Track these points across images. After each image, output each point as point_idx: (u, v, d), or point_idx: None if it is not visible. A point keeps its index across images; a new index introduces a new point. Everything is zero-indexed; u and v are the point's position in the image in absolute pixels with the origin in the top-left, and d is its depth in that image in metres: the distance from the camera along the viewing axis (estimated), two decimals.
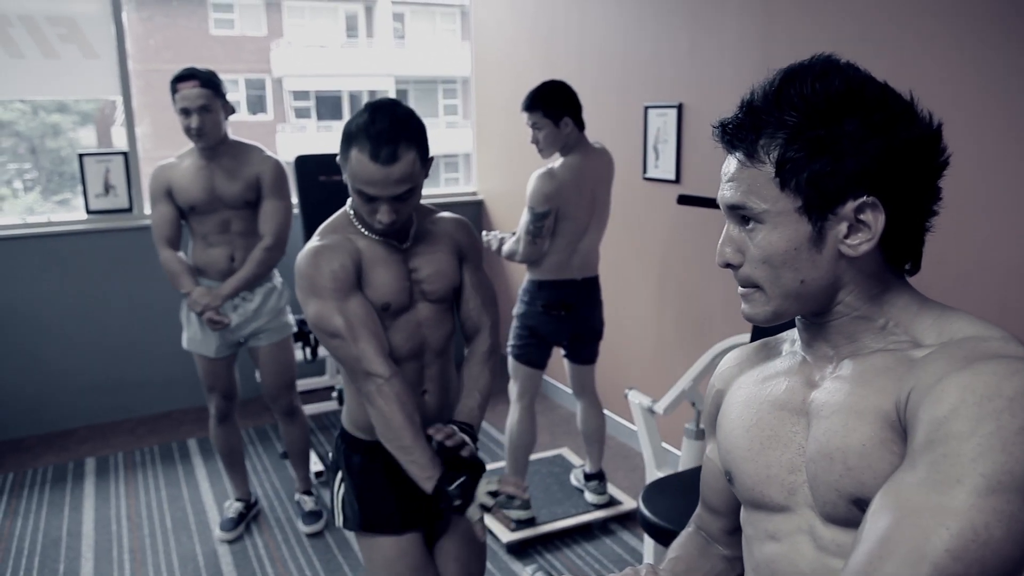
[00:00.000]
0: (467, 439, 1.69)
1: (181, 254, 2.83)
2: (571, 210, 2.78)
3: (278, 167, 2.82)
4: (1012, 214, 2.10)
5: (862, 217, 0.86)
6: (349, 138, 1.57)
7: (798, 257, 0.88)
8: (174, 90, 2.64)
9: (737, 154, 0.90)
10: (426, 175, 1.63)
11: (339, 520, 1.81)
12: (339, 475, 1.80)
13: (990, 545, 0.71)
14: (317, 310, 1.61)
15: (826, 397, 0.91)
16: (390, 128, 1.53)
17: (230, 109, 2.75)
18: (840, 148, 0.84)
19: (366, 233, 1.68)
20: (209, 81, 2.64)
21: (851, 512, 0.86)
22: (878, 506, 0.78)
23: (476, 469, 1.65)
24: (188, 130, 2.66)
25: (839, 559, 0.89)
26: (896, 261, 0.91)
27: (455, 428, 1.70)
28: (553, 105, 2.75)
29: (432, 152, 1.62)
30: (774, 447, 0.96)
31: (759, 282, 0.92)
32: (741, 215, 0.91)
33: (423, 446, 1.62)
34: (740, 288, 0.95)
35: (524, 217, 2.79)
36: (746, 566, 1.05)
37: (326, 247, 1.63)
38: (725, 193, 0.92)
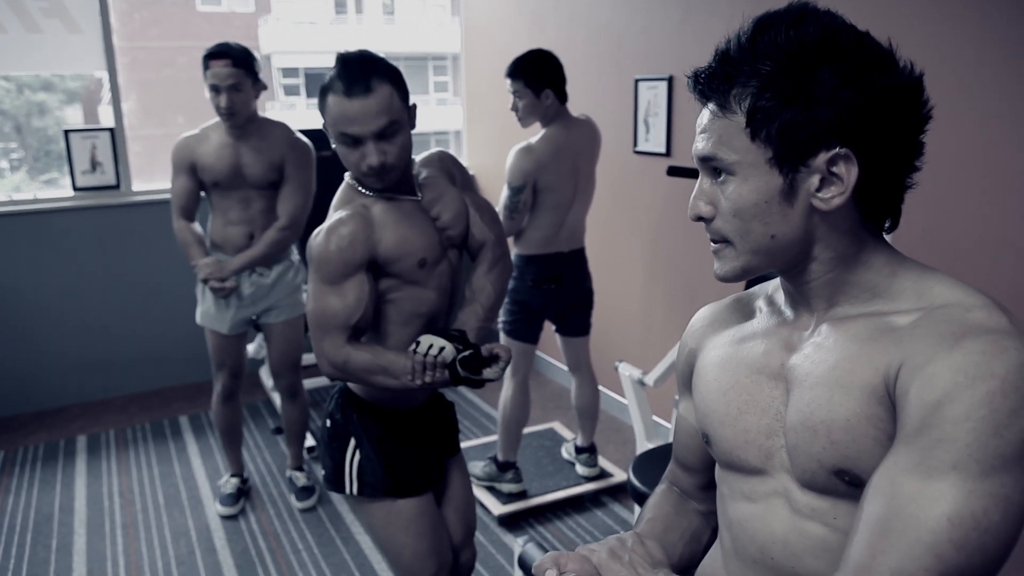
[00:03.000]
0: (446, 347, 1.63)
1: (196, 225, 2.82)
2: (552, 182, 2.78)
3: (305, 149, 2.80)
4: (1005, 187, 2.10)
5: (834, 170, 0.83)
6: (324, 91, 1.59)
7: (769, 210, 0.86)
8: (205, 66, 2.61)
9: (710, 105, 0.88)
10: (412, 123, 1.64)
11: (352, 488, 1.77)
12: (351, 443, 1.78)
13: (990, 531, 0.72)
14: (312, 290, 1.64)
15: (808, 366, 0.89)
16: (360, 65, 1.56)
17: (261, 87, 2.72)
18: (812, 97, 0.81)
19: (376, 196, 1.67)
20: (242, 60, 2.61)
21: (831, 481, 0.86)
22: (874, 493, 0.78)
23: (471, 346, 1.67)
24: (217, 108, 2.64)
25: (813, 523, 0.90)
26: (873, 218, 0.89)
27: (421, 358, 1.61)
28: (535, 76, 2.74)
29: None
30: (751, 412, 0.95)
31: (729, 236, 0.90)
32: (713, 167, 0.89)
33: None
34: (712, 244, 0.94)
35: (503, 192, 2.79)
36: (720, 523, 1.05)
37: (338, 222, 1.61)
38: (697, 145, 0.90)
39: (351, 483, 1.78)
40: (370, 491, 1.77)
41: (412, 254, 1.65)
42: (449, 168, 1.82)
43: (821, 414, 0.86)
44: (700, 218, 0.92)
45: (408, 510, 1.78)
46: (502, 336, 3.00)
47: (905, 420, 0.77)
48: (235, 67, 2.59)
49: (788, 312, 0.97)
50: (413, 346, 1.63)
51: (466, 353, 1.63)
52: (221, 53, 2.59)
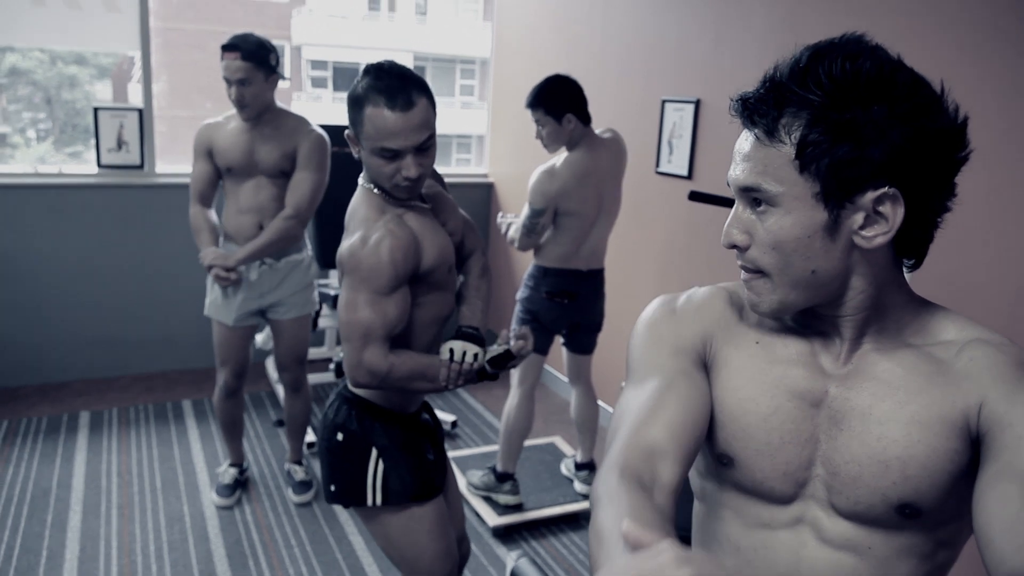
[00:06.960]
0: (478, 352, 1.73)
1: (212, 213, 2.85)
2: (574, 206, 2.79)
3: (319, 141, 2.80)
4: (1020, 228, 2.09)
5: (880, 209, 0.83)
6: (359, 101, 1.58)
7: (811, 245, 0.85)
8: (222, 57, 2.67)
9: (756, 131, 0.85)
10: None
11: (376, 498, 1.73)
12: (373, 453, 1.73)
13: None
14: (356, 300, 1.60)
15: (869, 399, 0.89)
16: (399, 78, 1.58)
17: (277, 78, 2.74)
18: (865, 135, 0.80)
19: (404, 206, 1.69)
20: (252, 54, 2.64)
21: (888, 514, 0.87)
22: (1011, 495, 0.75)
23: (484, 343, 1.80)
24: (230, 99, 2.69)
25: (845, 552, 0.90)
26: (905, 255, 0.89)
27: (457, 365, 1.70)
28: (555, 103, 2.75)
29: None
30: (793, 443, 0.92)
31: (766, 268, 0.88)
32: (753, 197, 0.87)
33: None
34: (744, 274, 0.92)
35: (523, 211, 2.82)
36: (706, 546, 1.02)
37: (388, 233, 1.59)
38: (737, 172, 0.87)
39: (374, 494, 1.73)
40: (396, 498, 1.74)
41: (446, 261, 1.71)
42: (441, 180, 1.90)
43: (896, 450, 0.87)
44: (734, 246, 0.90)
45: (430, 513, 1.79)
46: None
47: (1003, 434, 0.81)
48: (244, 60, 2.62)
49: (818, 337, 0.94)
50: (447, 355, 1.69)
51: (498, 353, 1.76)
52: (233, 46, 2.63)
